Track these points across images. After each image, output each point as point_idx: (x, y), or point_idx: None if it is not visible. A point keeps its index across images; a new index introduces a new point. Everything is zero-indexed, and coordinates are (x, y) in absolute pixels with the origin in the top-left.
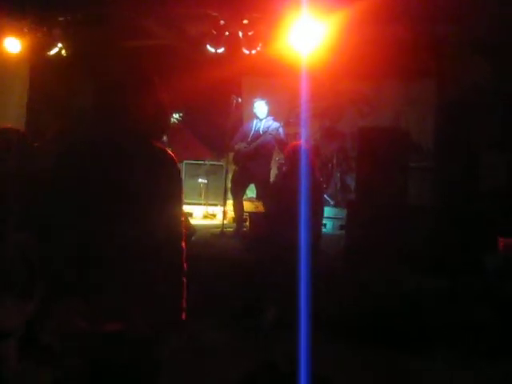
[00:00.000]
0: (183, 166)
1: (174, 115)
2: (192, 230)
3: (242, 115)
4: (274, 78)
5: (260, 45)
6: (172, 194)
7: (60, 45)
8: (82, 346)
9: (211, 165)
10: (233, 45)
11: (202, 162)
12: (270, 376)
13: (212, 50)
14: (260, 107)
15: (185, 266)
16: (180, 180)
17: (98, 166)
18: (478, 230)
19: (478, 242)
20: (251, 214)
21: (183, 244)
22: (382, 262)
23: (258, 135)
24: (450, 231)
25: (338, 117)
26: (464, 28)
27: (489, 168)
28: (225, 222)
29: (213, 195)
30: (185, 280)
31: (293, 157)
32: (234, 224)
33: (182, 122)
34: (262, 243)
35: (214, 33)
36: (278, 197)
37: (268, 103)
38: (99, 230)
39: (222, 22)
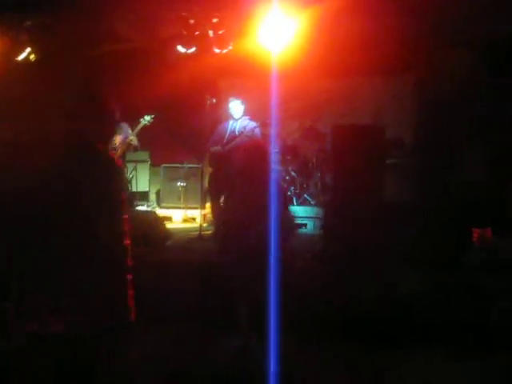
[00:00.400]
0: (161, 170)
1: (145, 117)
2: (167, 234)
3: (220, 116)
4: (252, 78)
5: (231, 44)
6: (111, 196)
7: (28, 49)
8: (34, 346)
9: (190, 167)
10: (204, 44)
11: (180, 165)
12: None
13: (183, 50)
14: (235, 107)
15: (129, 262)
16: (120, 181)
17: (50, 175)
18: (457, 224)
19: (459, 236)
20: None
21: (127, 241)
22: (360, 261)
23: (233, 136)
24: (430, 226)
25: (317, 116)
26: (442, 20)
27: (468, 161)
28: (205, 224)
29: (192, 198)
30: (130, 277)
31: (241, 158)
32: (213, 227)
33: (153, 124)
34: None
35: (184, 33)
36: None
37: (244, 103)
38: (43, 236)
39: (191, 21)
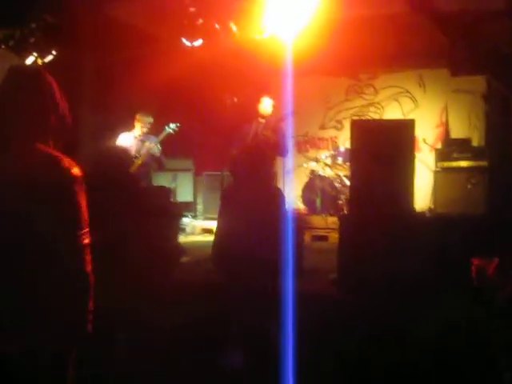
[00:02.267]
0: (204, 179)
1: (170, 125)
2: (179, 250)
3: (244, 116)
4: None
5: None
6: (57, 199)
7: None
8: None
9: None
10: (209, 36)
11: (219, 173)
12: None
13: (188, 43)
14: (266, 106)
15: (87, 268)
16: (69, 186)
17: None
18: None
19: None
20: None
21: (84, 241)
22: (377, 287)
23: (256, 136)
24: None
25: (380, 113)
26: None
27: None
28: None
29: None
30: (89, 286)
31: (234, 169)
32: None
33: (190, 130)
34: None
35: (186, 23)
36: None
37: (272, 101)
38: None
39: (192, 9)
